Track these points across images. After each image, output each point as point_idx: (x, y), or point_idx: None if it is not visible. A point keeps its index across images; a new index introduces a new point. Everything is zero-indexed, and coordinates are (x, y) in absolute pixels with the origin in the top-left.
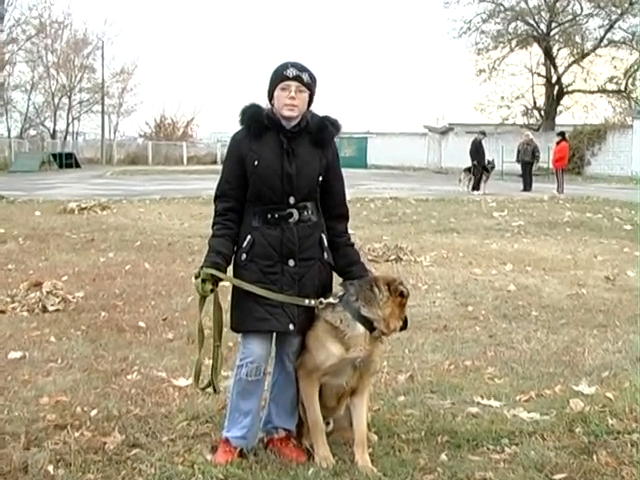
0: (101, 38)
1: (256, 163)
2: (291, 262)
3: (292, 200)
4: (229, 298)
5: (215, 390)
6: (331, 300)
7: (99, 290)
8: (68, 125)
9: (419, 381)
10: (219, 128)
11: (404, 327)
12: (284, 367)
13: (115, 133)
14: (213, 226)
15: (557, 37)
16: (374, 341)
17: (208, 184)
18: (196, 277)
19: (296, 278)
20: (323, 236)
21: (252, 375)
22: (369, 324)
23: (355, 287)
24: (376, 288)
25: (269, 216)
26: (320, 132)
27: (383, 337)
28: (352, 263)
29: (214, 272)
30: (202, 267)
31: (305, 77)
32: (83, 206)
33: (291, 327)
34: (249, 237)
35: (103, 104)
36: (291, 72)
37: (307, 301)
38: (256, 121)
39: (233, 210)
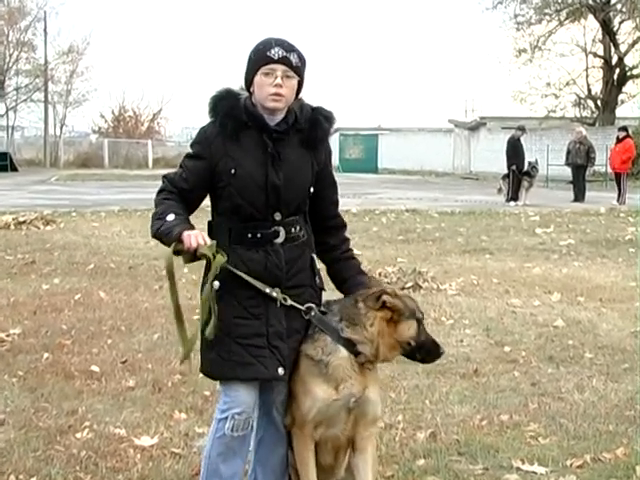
0: (42, 7)
1: (233, 172)
2: (276, 291)
3: (278, 216)
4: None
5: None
6: (313, 307)
7: (41, 326)
8: (1, 117)
9: (443, 440)
10: (192, 123)
11: (433, 356)
12: (272, 421)
13: (62, 128)
14: (167, 199)
15: (619, 6)
16: (364, 371)
17: None
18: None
19: (284, 310)
20: (314, 256)
21: (239, 429)
22: (352, 347)
23: (339, 305)
24: (361, 302)
25: (249, 235)
26: (313, 130)
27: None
28: (346, 279)
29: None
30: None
31: (293, 59)
32: (21, 219)
33: (280, 372)
34: None
35: (46, 91)
36: (276, 53)
37: (286, 300)
38: (232, 118)
39: (186, 204)
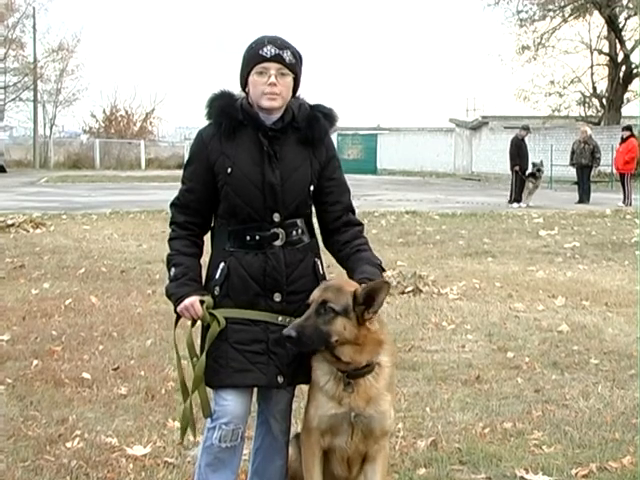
0: (31, 4)
1: (229, 171)
2: (277, 297)
3: (277, 217)
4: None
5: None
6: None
7: (30, 332)
8: None
9: (444, 449)
10: (187, 122)
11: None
12: (270, 431)
13: (52, 128)
14: (173, 239)
15: (625, 2)
16: (363, 386)
17: (173, 194)
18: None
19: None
20: (317, 262)
21: (227, 440)
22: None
23: None
24: None
25: (248, 238)
26: (310, 127)
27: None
28: (354, 272)
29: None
30: (183, 296)
31: (287, 56)
32: (10, 222)
33: (280, 380)
34: (222, 265)
35: (35, 90)
36: (269, 51)
37: (280, 318)
38: (228, 116)
39: (199, 226)
